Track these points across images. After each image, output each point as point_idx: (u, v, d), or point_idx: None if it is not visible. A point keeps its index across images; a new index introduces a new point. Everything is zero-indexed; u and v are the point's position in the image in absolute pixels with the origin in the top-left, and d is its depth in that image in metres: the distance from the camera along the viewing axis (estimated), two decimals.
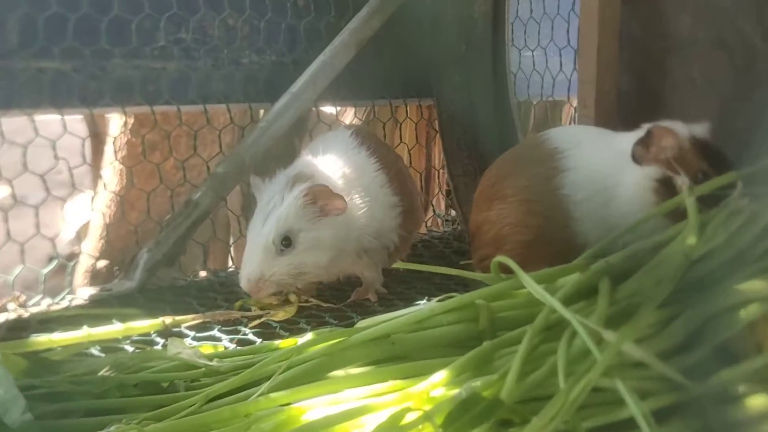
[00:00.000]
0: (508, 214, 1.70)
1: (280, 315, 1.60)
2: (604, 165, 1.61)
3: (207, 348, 1.32)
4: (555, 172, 1.65)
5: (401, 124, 2.59)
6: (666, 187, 1.52)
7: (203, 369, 1.19)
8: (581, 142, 1.66)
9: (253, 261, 1.58)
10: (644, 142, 1.55)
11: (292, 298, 1.63)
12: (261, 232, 1.58)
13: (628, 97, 1.97)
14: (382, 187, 1.76)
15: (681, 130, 1.55)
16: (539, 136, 1.74)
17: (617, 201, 1.59)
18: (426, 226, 2.57)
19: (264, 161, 2.02)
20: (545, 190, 1.65)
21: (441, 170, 2.75)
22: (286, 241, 1.58)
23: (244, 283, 1.59)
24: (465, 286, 1.76)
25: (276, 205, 1.59)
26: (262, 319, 1.59)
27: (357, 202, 1.69)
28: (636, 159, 1.56)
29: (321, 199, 1.59)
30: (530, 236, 1.67)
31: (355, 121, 2.71)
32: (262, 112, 2.18)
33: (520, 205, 1.69)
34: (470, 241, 1.79)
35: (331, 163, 1.75)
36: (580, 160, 1.64)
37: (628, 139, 1.58)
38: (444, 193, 2.84)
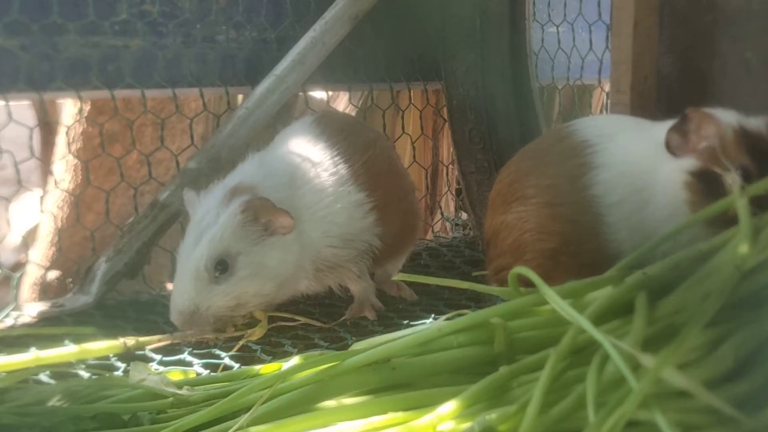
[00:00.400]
0: (529, 218, 1.69)
1: (257, 333, 1.60)
2: (641, 161, 1.60)
3: (176, 374, 1.31)
4: (584, 169, 1.64)
5: (404, 112, 2.60)
6: (702, 183, 1.51)
7: (171, 399, 1.19)
8: (615, 134, 1.66)
9: (184, 291, 1.56)
10: (680, 129, 1.55)
11: (258, 314, 1.62)
12: (192, 255, 1.56)
13: (670, 80, 1.97)
14: (343, 185, 1.72)
15: (726, 117, 1.54)
16: (566, 126, 1.74)
17: (653, 203, 1.58)
18: (433, 231, 2.58)
19: (243, 155, 2.03)
20: (572, 190, 1.64)
21: (450, 166, 2.75)
22: (222, 266, 1.56)
23: (174, 317, 1.58)
24: (478, 301, 1.77)
25: (210, 223, 1.57)
26: (242, 342, 1.58)
27: (309, 212, 1.67)
28: (671, 149, 1.55)
29: (263, 215, 1.57)
30: (554, 244, 1.66)
31: (350, 109, 2.71)
32: (240, 97, 2.19)
33: (542, 209, 1.68)
34: (485, 249, 1.79)
35: (281, 164, 1.72)
36: (614, 156, 1.63)
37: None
38: (453, 192, 2.84)
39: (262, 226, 1.58)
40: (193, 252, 1.56)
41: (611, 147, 1.63)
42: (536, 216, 1.68)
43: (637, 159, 1.60)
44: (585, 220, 1.62)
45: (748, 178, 1.45)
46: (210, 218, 1.58)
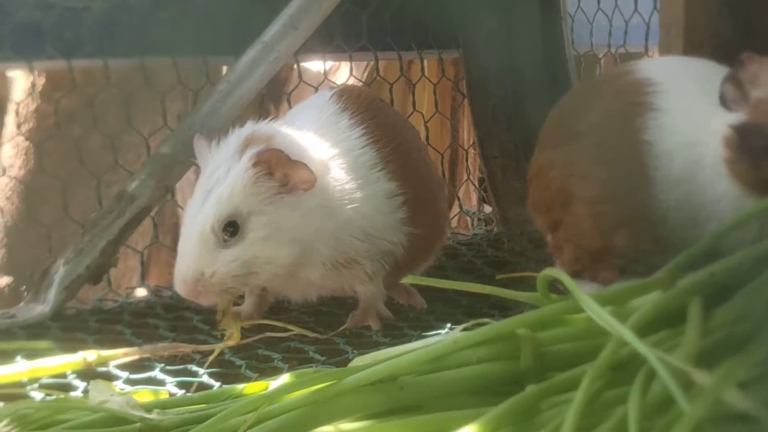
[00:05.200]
0: (575, 159, 1.73)
1: (234, 337, 1.58)
2: (701, 112, 1.61)
3: (144, 394, 1.32)
4: (640, 109, 1.66)
5: (415, 86, 2.59)
6: (742, 139, 1.52)
7: (139, 424, 1.19)
8: (684, 77, 1.67)
9: (189, 255, 1.57)
10: (735, 78, 1.55)
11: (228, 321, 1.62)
12: (198, 216, 1.57)
13: (730, 47, 1.96)
14: (372, 169, 1.73)
15: None
16: (626, 65, 1.78)
17: (703, 164, 1.59)
18: (450, 227, 2.57)
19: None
20: (622, 132, 1.67)
21: (471, 150, 2.75)
22: (231, 228, 1.56)
23: (177, 286, 1.59)
24: (503, 309, 1.77)
25: (220, 178, 1.58)
26: (219, 348, 1.57)
27: (335, 184, 1.67)
28: (725, 101, 1.56)
29: (278, 168, 1.58)
30: (595, 191, 1.70)
31: (351, 81, 2.71)
32: (224, 69, 2.18)
33: (589, 149, 1.72)
34: (526, 186, 1.85)
35: (299, 136, 1.72)
36: (678, 100, 1.63)
37: None
38: (475, 181, 2.84)
39: (278, 182, 1.59)
40: (200, 212, 1.57)
41: (676, 90, 1.64)
42: (581, 157, 1.72)
43: (697, 109, 1.61)
44: (630, 168, 1.63)
45: None
46: (220, 173, 1.59)
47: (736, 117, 1.54)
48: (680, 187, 1.61)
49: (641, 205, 1.63)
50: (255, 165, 1.57)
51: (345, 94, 1.83)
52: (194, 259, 1.56)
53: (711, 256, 1.23)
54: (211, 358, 1.55)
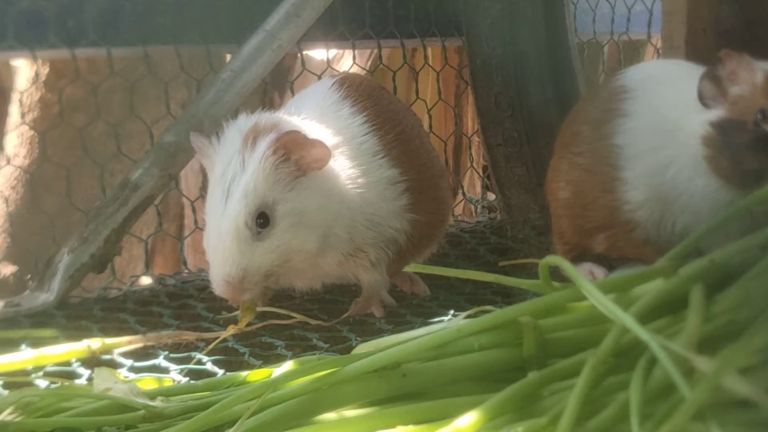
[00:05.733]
0: (560, 166, 1.83)
1: (245, 318, 1.58)
2: (671, 113, 1.64)
3: (148, 382, 1.32)
4: (611, 115, 1.71)
5: (418, 74, 2.59)
6: (722, 135, 1.54)
7: (143, 411, 1.19)
8: (660, 81, 1.69)
9: (227, 255, 1.56)
10: (713, 75, 1.57)
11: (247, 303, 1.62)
12: (226, 214, 1.56)
13: (732, 35, 1.96)
14: (374, 156, 1.74)
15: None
16: (620, 72, 1.81)
17: (675, 164, 1.62)
18: (454, 215, 2.57)
19: None
20: (595, 137, 1.72)
21: (474, 137, 2.75)
22: (262, 219, 1.56)
23: (221, 288, 1.57)
24: (506, 296, 1.78)
25: (237, 173, 1.58)
26: (226, 334, 1.57)
27: (340, 171, 1.68)
28: (703, 98, 1.59)
29: (295, 150, 1.58)
30: (568, 194, 1.78)
31: (354, 70, 2.71)
32: (228, 57, 2.18)
33: (570, 156, 1.79)
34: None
35: (302, 124, 1.72)
36: (645, 104, 1.67)
37: None
38: (479, 169, 2.84)
39: (294, 165, 1.59)
40: (226, 210, 1.56)
41: (646, 94, 1.67)
42: (564, 163, 1.80)
43: (668, 111, 1.63)
44: (601, 170, 1.66)
45: (763, 123, 1.50)
46: (235, 167, 1.58)
47: (714, 114, 1.56)
48: (651, 188, 1.64)
49: (614, 206, 1.66)
50: (275, 151, 1.57)
51: (346, 83, 1.84)
52: (235, 258, 1.55)
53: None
54: (212, 345, 1.56)
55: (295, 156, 1.58)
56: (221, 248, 1.56)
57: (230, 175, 1.58)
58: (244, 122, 1.65)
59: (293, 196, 1.58)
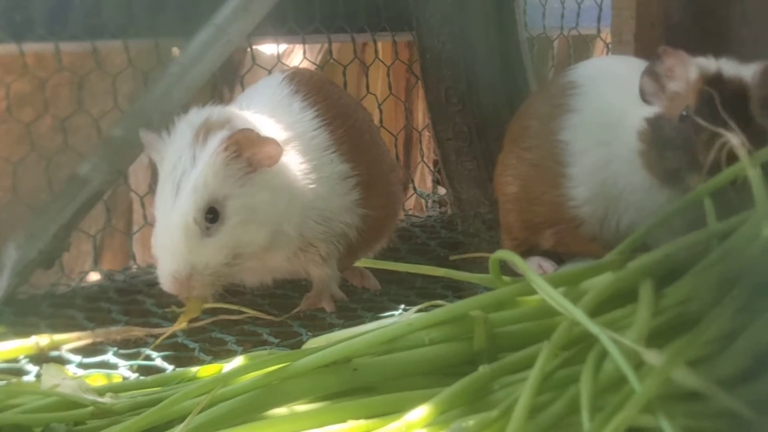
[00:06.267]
0: (507, 161, 1.87)
1: (190, 312, 1.56)
2: (614, 109, 1.66)
3: (97, 378, 1.31)
4: (559, 111, 1.73)
5: (369, 69, 2.59)
6: (654, 132, 1.56)
7: (91, 408, 1.18)
8: (608, 77, 1.71)
9: (176, 251, 1.55)
10: (652, 72, 1.59)
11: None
12: (175, 209, 1.55)
13: (681, 30, 1.98)
14: (325, 151, 1.74)
15: (706, 62, 1.57)
16: (569, 67, 1.84)
17: (617, 160, 1.64)
18: (404, 209, 2.57)
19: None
20: (543, 132, 1.75)
21: (425, 132, 2.75)
22: (212, 215, 1.55)
23: (169, 285, 1.56)
24: (457, 290, 1.78)
25: (187, 168, 1.56)
26: (173, 329, 1.56)
27: (291, 166, 1.68)
28: (643, 95, 1.60)
29: (247, 148, 1.57)
30: (515, 189, 1.81)
31: (304, 64, 2.71)
32: (176, 51, 2.17)
33: (517, 151, 1.82)
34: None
35: (254, 118, 1.71)
36: (592, 100, 1.69)
37: None
38: (429, 163, 2.85)
39: (245, 162, 1.58)
40: (175, 205, 1.55)
41: (592, 90, 1.69)
42: (513, 158, 1.83)
43: (613, 107, 1.65)
44: (547, 166, 1.67)
45: (685, 120, 1.53)
46: (185, 162, 1.56)
47: (652, 110, 1.58)
48: (595, 184, 1.65)
49: (560, 201, 1.68)
50: (226, 148, 1.55)
51: (297, 77, 1.83)
52: (183, 254, 1.54)
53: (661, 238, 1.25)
54: (160, 339, 1.54)
55: (246, 153, 1.57)
56: (170, 244, 1.55)
57: (180, 170, 1.56)
58: (195, 116, 1.63)
59: (244, 191, 1.58)
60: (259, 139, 1.57)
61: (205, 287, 1.57)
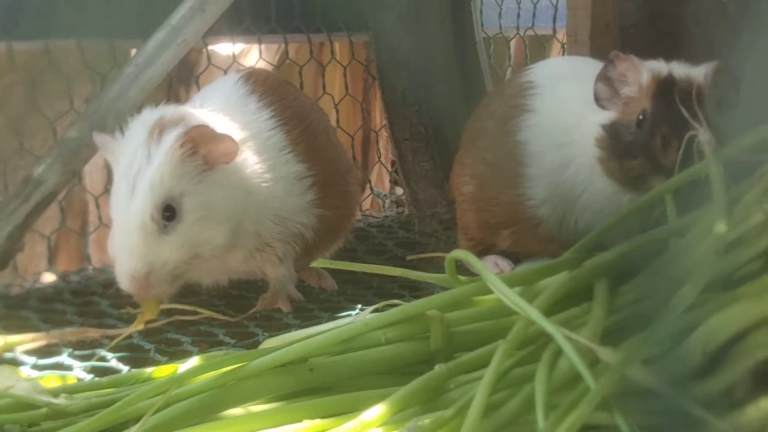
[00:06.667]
0: (464, 160, 1.87)
1: (147, 314, 1.56)
2: (571, 113, 1.67)
3: (52, 380, 1.30)
4: (516, 111, 1.74)
5: (325, 69, 2.59)
6: (611, 138, 1.57)
7: (45, 409, 1.18)
8: (564, 78, 1.72)
9: (133, 249, 1.53)
10: (605, 76, 1.60)
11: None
12: (132, 207, 1.53)
13: (635, 31, 1.99)
14: (281, 151, 1.74)
15: (657, 65, 1.59)
16: (526, 68, 1.84)
17: (574, 164, 1.65)
18: (361, 209, 2.58)
19: None
20: (499, 132, 1.76)
21: (382, 132, 2.76)
22: (169, 213, 1.54)
23: (127, 284, 1.54)
24: (413, 290, 1.78)
25: (142, 166, 1.55)
26: (130, 330, 1.55)
27: (247, 165, 1.67)
28: (598, 100, 1.61)
29: (203, 144, 1.56)
30: (472, 188, 1.82)
31: (261, 65, 2.70)
32: (132, 52, 2.16)
33: (474, 150, 1.83)
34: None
35: (209, 117, 1.70)
36: (549, 101, 1.70)
37: None
38: (386, 164, 2.85)
39: (201, 159, 1.57)
40: (132, 203, 1.53)
41: (550, 91, 1.69)
42: (470, 158, 1.84)
43: (569, 110, 1.66)
44: (505, 166, 1.68)
45: (642, 125, 1.55)
46: (140, 160, 1.55)
47: (608, 116, 1.59)
48: (553, 185, 1.66)
49: (517, 202, 1.69)
50: (182, 145, 1.54)
51: (252, 77, 1.83)
52: (140, 252, 1.52)
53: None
54: (116, 341, 1.53)
55: (203, 150, 1.56)
56: (127, 243, 1.53)
57: (135, 168, 1.55)
58: (149, 116, 1.62)
59: (200, 189, 1.57)
60: (215, 135, 1.57)
61: (163, 286, 1.55)
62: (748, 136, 1.19)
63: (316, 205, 1.77)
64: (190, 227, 1.56)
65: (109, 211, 1.59)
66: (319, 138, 1.85)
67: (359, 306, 1.76)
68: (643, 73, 1.57)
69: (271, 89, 1.81)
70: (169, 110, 1.64)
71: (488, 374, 1.01)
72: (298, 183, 1.75)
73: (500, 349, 1.04)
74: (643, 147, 1.52)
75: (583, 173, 1.64)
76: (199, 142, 1.56)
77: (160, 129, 1.57)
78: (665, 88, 1.53)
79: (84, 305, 1.83)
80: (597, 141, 1.60)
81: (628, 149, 1.55)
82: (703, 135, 1.12)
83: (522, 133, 1.71)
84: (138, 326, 1.55)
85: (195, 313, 1.61)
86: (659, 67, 1.58)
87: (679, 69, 1.58)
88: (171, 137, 1.55)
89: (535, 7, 2.75)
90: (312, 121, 1.85)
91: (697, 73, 1.57)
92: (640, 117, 1.54)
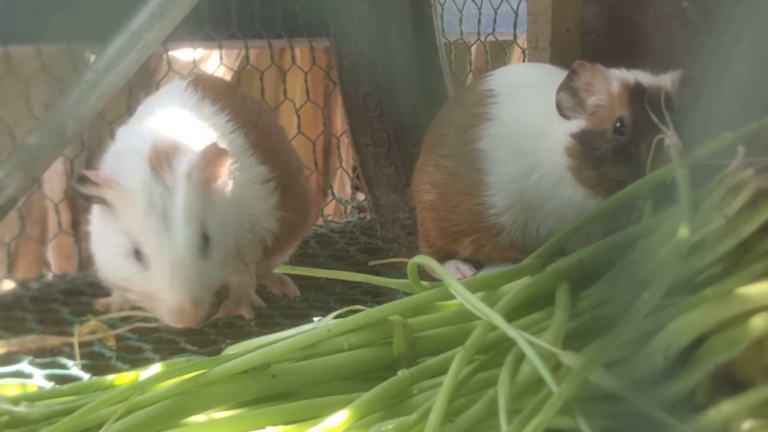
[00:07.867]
0: (425, 168, 1.87)
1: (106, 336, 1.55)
2: (533, 122, 1.68)
3: (12, 387, 1.30)
4: (476, 120, 1.74)
5: (286, 74, 2.59)
6: (584, 147, 1.58)
7: (6, 417, 1.17)
8: (525, 86, 1.73)
9: (189, 282, 1.48)
10: (569, 86, 1.61)
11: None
12: (175, 243, 1.48)
13: (596, 36, 2.00)
14: (244, 154, 1.72)
15: (622, 73, 1.60)
16: (486, 75, 1.84)
17: (538, 172, 1.66)
18: (323, 215, 2.58)
19: (95, 128, 2.00)
20: (460, 141, 1.76)
21: (343, 138, 2.76)
22: (205, 239, 1.52)
23: (190, 319, 1.48)
24: (376, 296, 1.79)
25: (165, 200, 1.49)
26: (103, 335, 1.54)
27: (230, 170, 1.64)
28: (561, 110, 1.62)
29: (215, 162, 1.54)
30: (433, 197, 1.82)
31: (221, 70, 2.70)
32: (92, 58, 2.15)
33: (434, 158, 1.83)
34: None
35: (166, 129, 1.65)
36: (509, 109, 1.70)
37: None
38: (348, 169, 2.85)
39: (211, 177, 1.55)
40: (173, 239, 1.48)
41: (511, 100, 1.70)
42: (430, 165, 1.84)
43: (531, 119, 1.67)
44: (466, 174, 1.69)
45: (622, 132, 1.56)
46: (160, 193, 1.49)
47: (575, 125, 1.60)
48: (515, 193, 1.67)
49: (478, 210, 1.71)
50: (202, 168, 1.52)
51: (201, 83, 1.80)
52: (201, 284, 1.49)
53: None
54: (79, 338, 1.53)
55: (215, 168, 1.54)
56: (180, 277, 1.48)
57: (158, 201, 1.49)
58: (138, 144, 1.57)
59: (215, 209, 1.55)
60: (221, 151, 1.55)
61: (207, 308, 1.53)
62: (713, 142, 1.21)
63: (278, 208, 1.77)
64: (219, 247, 1.54)
65: (142, 248, 1.51)
66: (273, 139, 1.84)
67: (321, 313, 1.74)
68: (612, 81, 1.58)
69: (221, 93, 1.79)
70: (159, 138, 1.59)
71: (447, 381, 1.02)
72: (263, 186, 1.74)
73: (458, 356, 1.05)
74: (625, 154, 1.53)
75: (549, 181, 1.65)
76: (212, 161, 1.53)
77: (165, 156, 1.53)
78: (638, 96, 1.55)
79: (44, 312, 1.82)
80: (567, 150, 1.60)
81: (606, 157, 1.56)
82: (670, 139, 1.13)
83: (483, 142, 1.72)
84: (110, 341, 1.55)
85: (156, 320, 1.60)
86: (626, 75, 1.59)
87: (642, 77, 1.59)
88: (187, 162, 1.52)
89: (495, 13, 2.76)
90: (265, 123, 1.84)
91: (660, 81, 1.58)
92: (618, 124, 1.55)
